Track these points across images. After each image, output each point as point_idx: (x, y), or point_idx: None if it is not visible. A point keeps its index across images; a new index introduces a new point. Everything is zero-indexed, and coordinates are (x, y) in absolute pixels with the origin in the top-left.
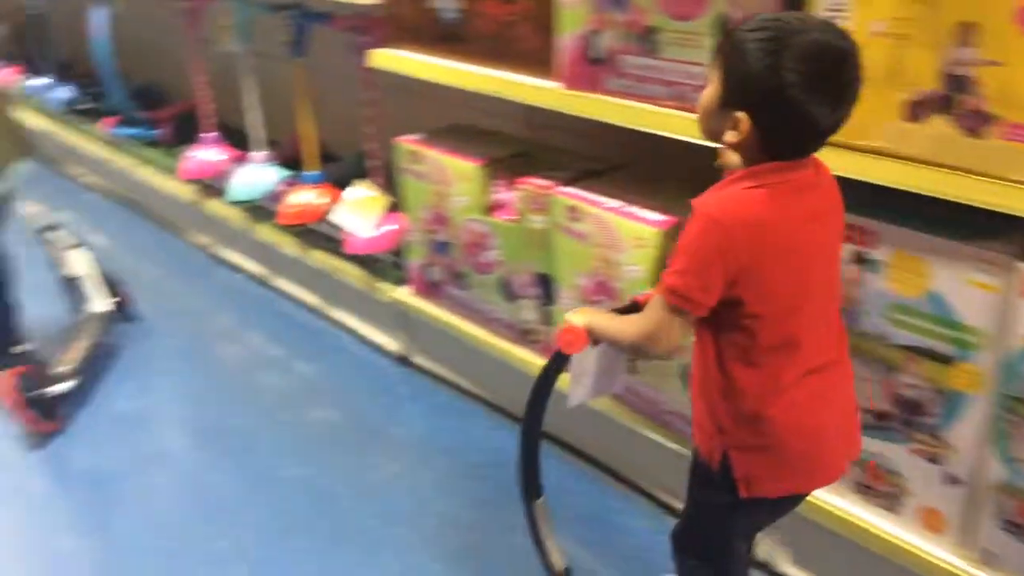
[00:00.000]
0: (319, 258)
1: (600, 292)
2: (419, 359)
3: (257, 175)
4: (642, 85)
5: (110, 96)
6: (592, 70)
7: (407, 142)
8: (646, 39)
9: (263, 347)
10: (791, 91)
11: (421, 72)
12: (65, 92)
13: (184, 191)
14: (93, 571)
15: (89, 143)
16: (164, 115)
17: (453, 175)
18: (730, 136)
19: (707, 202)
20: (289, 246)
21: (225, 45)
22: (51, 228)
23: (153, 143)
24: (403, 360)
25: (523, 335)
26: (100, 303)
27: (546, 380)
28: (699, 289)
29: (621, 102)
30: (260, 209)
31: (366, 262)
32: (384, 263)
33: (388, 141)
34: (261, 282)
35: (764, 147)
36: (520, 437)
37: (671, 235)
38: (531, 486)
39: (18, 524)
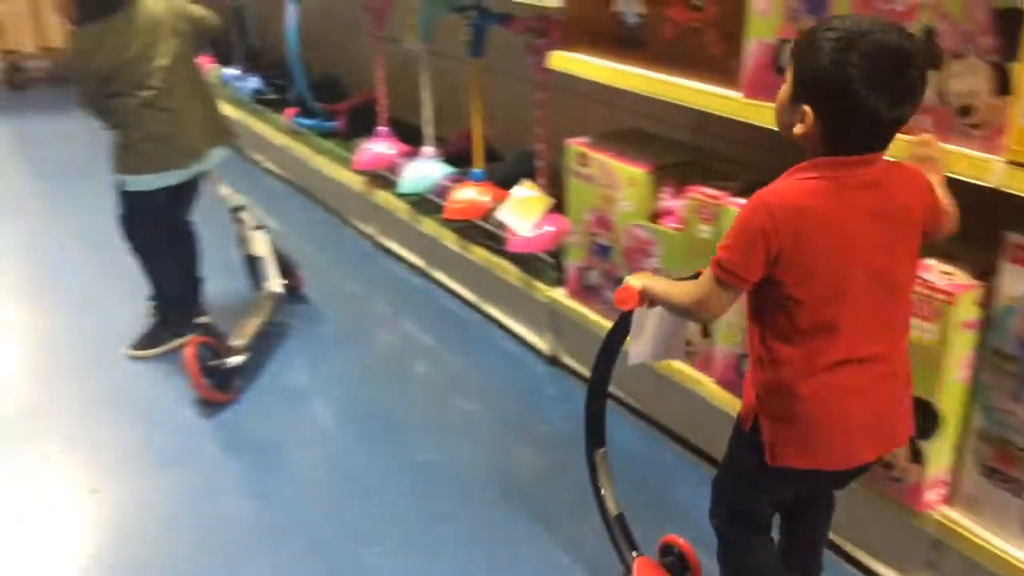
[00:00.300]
0: (478, 254)
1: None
2: (568, 360)
3: (425, 170)
4: None
5: (294, 87)
6: (778, 80)
7: (576, 144)
8: None
9: (417, 336)
10: (854, 85)
11: (599, 75)
12: (253, 82)
13: (355, 181)
14: (249, 535)
15: (271, 131)
16: (341, 108)
17: (620, 179)
18: (798, 128)
19: (765, 188)
20: (450, 240)
21: (406, 43)
22: (241, 208)
23: (329, 134)
24: (552, 360)
25: None
26: (276, 283)
27: (612, 339)
28: (742, 265)
29: None
30: (425, 202)
31: (525, 261)
32: (542, 263)
33: (554, 142)
34: (420, 273)
35: (826, 140)
36: (588, 391)
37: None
38: (595, 437)
39: (186, 485)
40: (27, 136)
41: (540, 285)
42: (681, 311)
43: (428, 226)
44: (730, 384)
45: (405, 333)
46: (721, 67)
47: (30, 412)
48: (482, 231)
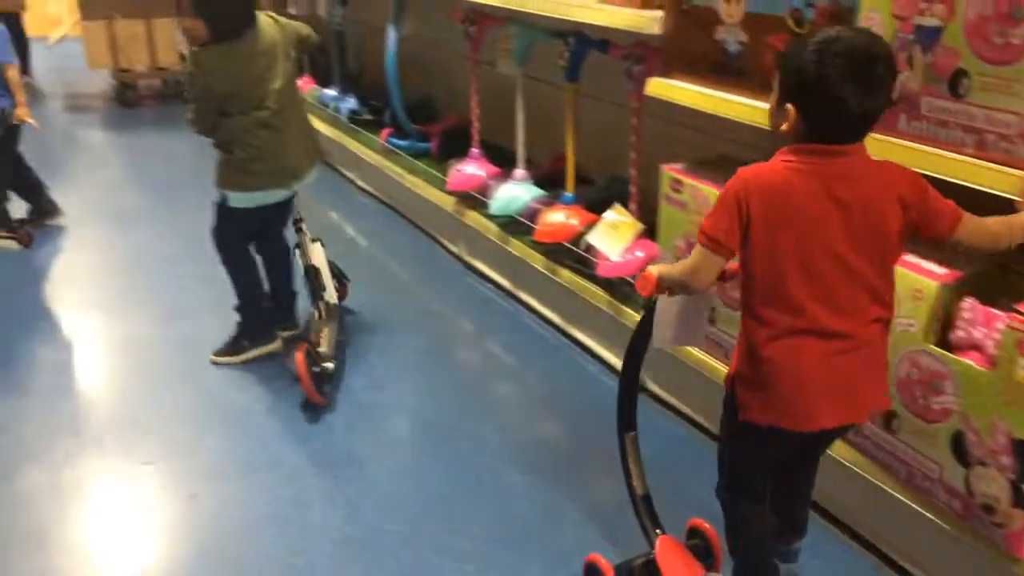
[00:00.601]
0: (566, 277)
1: None
2: (656, 388)
3: (516, 192)
4: (941, 130)
5: (389, 109)
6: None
7: (670, 170)
8: (952, 82)
9: (501, 356)
10: (829, 80)
11: (697, 102)
12: (350, 102)
13: (446, 201)
14: (334, 545)
15: (365, 151)
16: (434, 129)
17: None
18: (784, 126)
19: (748, 166)
20: (538, 262)
21: (501, 67)
22: (302, 220)
23: (422, 155)
24: (640, 387)
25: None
26: (333, 294)
27: (643, 327)
28: (722, 231)
29: (914, 146)
30: (515, 224)
31: (613, 285)
32: (631, 288)
33: (645, 168)
34: (507, 294)
35: (808, 132)
36: (620, 378)
37: (953, 290)
38: (627, 420)
39: (275, 492)
40: (136, 151)
41: (628, 310)
42: (681, 285)
43: (517, 247)
44: None
45: (489, 353)
46: None
47: (130, 420)
48: (571, 254)
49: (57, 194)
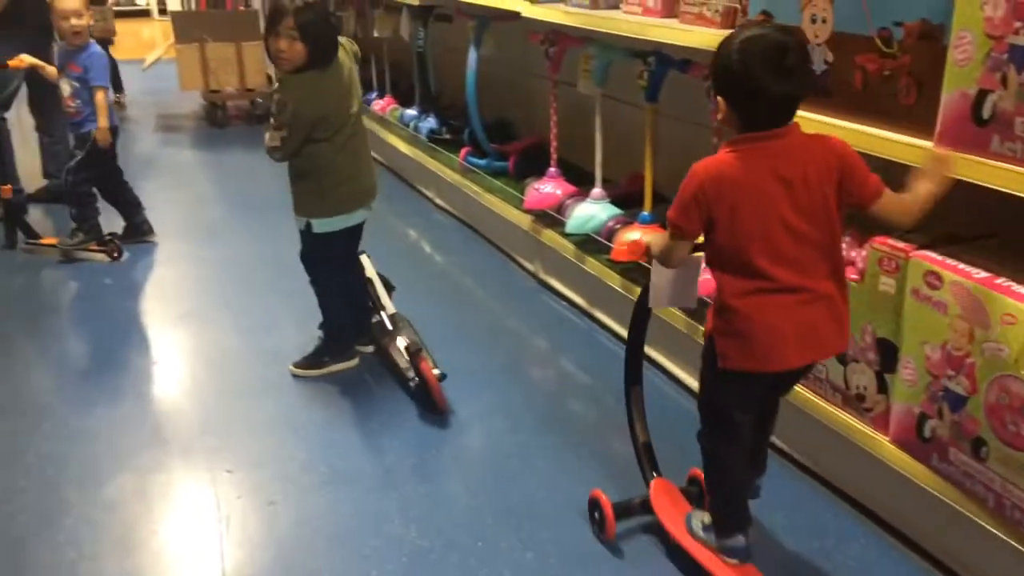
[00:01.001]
0: None
1: (950, 365)
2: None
3: (593, 210)
4: None
5: (468, 128)
6: (977, 131)
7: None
8: None
9: (575, 375)
10: (750, 72)
11: None
12: (430, 122)
13: (522, 219)
14: (410, 559)
15: (444, 169)
16: (512, 149)
17: None
18: (720, 116)
19: (700, 161)
20: (615, 281)
21: (581, 87)
22: None
23: (499, 173)
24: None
25: (855, 402)
26: (391, 305)
27: (645, 291)
28: (684, 220)
29: (1007, 167)
30: (591, 242)
31: None
32: (708, 305)
33: None
34: (582, 312)
35: (739, 121)
36: (628, 336)
37: None
38: (633, 375)
39: (353, 505)
40: (224, 169)
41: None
42: (659, 259)
43: (593, 266)
44: (907, 444)
45: (564, 371)
46: (908, 116)
47: (214, 428)
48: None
49: (149, 209)
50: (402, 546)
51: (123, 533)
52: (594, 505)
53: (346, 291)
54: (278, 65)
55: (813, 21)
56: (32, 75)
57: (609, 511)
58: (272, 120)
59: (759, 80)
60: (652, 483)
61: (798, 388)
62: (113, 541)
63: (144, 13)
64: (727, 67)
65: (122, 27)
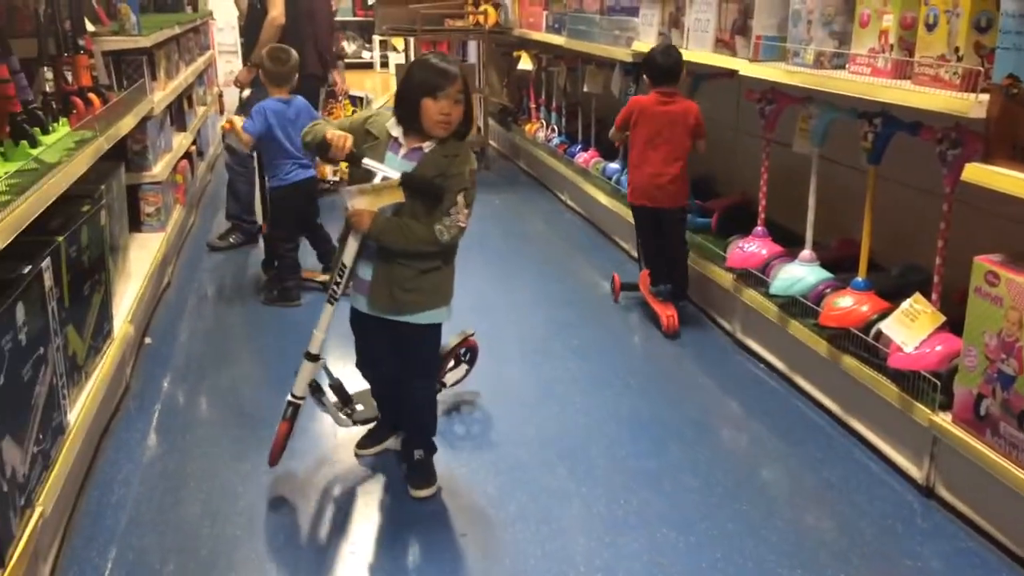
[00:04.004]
0: (851, 364)
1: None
2: (945, 493)
3: (801, 273)
4: None
5: None
6: None
7: (987, 261)
8: None
9: (768, 440)
10: (656, 59)
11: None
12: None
13: (723, 277)
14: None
15: None
16: (715, 206)
17: None
18: (645, 86)
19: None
20: (820, 347)
21: (797, 146)
22: None
23: (701, 230)
24: (925, 490)
25: None
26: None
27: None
28: (622, 124)
29: None
30: (795, 305)
31: (904, 378)
32: (925, 383)
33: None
34: (780, 376)
35: (653, 83)
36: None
37: None
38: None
39: (539, 547)
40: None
41: (921, 407)
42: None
43: (796, 329)
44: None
45: (756, 435)
46: None
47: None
48: (858, 341)
49: None
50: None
51: (323, 549)
52: (612, 285)
53: None
54: (434, 130)
55: None
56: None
57: None
58: (463, 196)
59: (658, 61)
60: (641, 272)
61: None
62: (317, 556)
63: (368, 65)
64: (649, 58)
65: (349, 77)
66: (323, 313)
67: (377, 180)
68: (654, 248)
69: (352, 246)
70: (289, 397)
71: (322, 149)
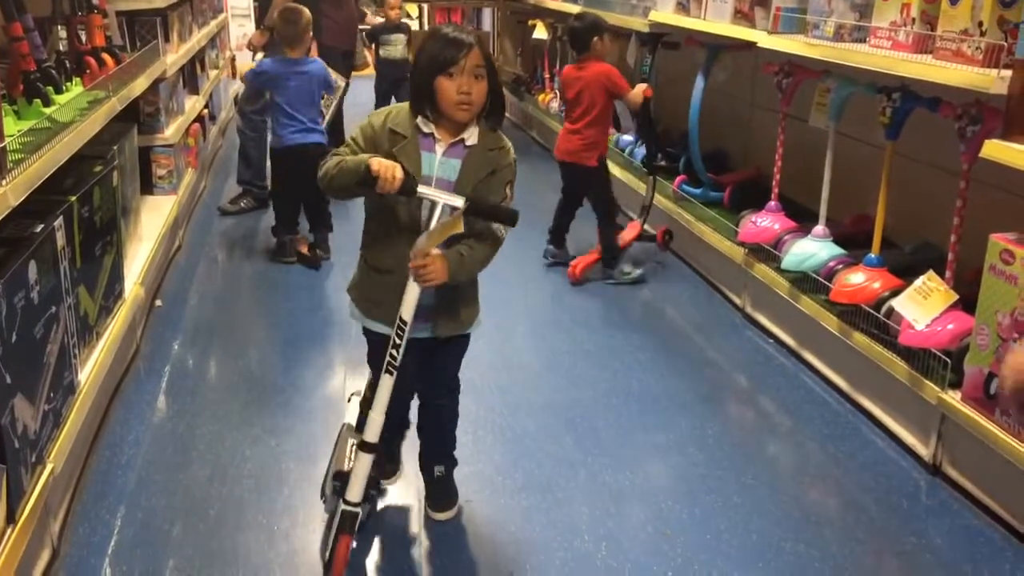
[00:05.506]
0: (860, 341)
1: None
2: (952, 471)
3: (813, 248)
4: None
5: (685, 156)
6: None
7: (1002, 240)
8: None
9: (775, 415)
10: (574, 29)
11: None
12: (644, 150)
13: (734, 252)
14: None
15: (656, 196)
16: (728, 180)
17: None
18: (595, 45)
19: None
20: (830, 323)
21: (813, 121)
22: None
23: (713, 204)
24: (931, 468)
25: None
26: None
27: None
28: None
29: None
30: (807, 281)
31: (914, 356)
32: (935, 361)
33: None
34: (788, 351)
35: (571, 48)
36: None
37: None
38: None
39: (546, 516)
40: None
41: (930, 384)
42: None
43: (807, 305)
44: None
45: (764, 410)
46: None
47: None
48: (868, 318)
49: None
50: (589, 564)
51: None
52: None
53: None
54: (455, 115)
55: None
56: None
57: None
58: (510, 188)
59: (580, 32)
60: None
61: None
62: (323, 516)
63: None
64: (584, 25)
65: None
66: (381, 387)
67: (437, 212)
68: (562, 206)
69: (412, 298)
70: (343, 506)
71: (366, 184)
